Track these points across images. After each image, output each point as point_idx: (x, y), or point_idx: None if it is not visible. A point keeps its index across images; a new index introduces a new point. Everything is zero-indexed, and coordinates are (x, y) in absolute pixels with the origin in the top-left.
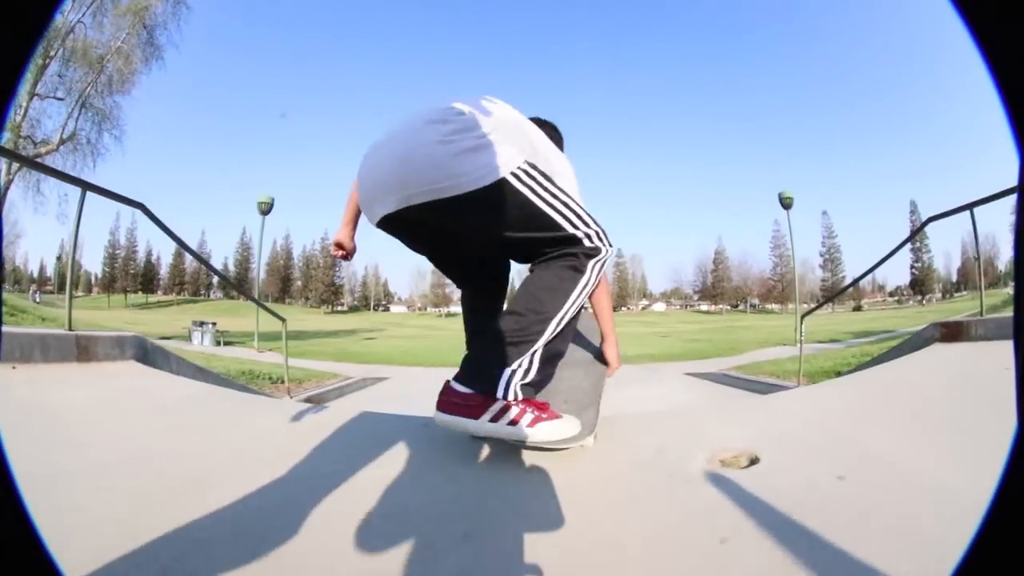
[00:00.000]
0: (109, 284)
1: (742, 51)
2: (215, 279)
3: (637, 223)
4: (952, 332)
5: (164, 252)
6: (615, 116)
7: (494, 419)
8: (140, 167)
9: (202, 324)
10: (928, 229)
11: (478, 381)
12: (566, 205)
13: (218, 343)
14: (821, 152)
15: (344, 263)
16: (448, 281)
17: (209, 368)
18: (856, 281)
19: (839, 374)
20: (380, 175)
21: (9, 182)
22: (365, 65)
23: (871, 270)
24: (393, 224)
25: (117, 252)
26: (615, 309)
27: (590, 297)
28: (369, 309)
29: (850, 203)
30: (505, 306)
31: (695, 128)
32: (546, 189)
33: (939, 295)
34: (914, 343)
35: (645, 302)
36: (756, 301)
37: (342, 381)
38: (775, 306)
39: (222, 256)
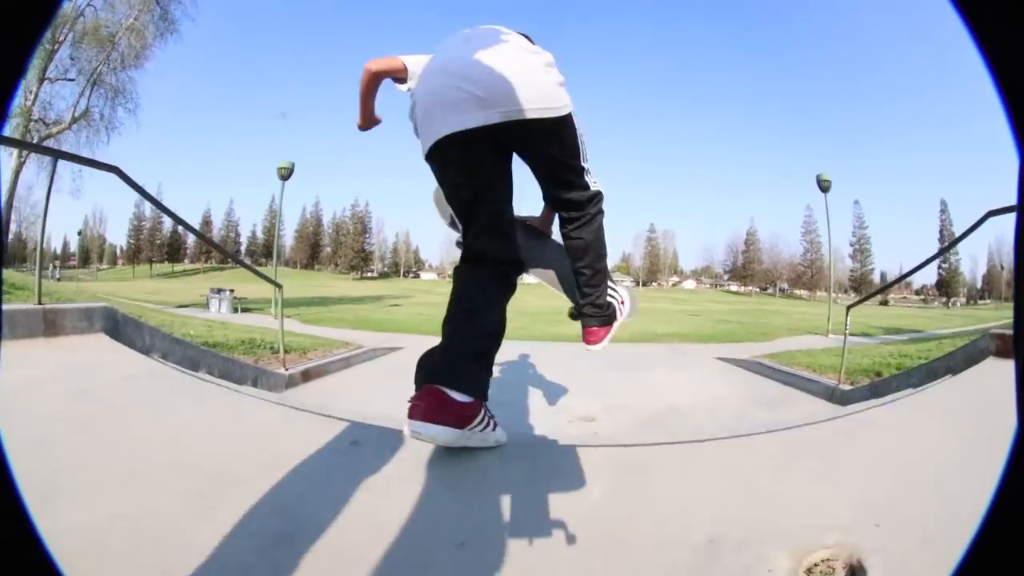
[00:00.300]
0: (134, 255)
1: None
2: (243, 246)
3: (669, 198)
4: (1007, 346)
5: (192, 220)
6: (655, 94)
7: (483, 426)
8: (165, 140)
9: (219, 291)
10: (957, 233)
11: (476, 385)
12: (586, 156)
13: (235, 310)
14: (854, 143)
15: (373, 231)
16: None
17: (201, 339)
18: (912, 272)
19: (879, 374)
20: (472, 88)
21: (20, 165)
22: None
23: (927, 262)
24: (457, 146)
25: (143, 223)
26: (646, 284)
27: None
28: (399, 276)
29: (880, 197)
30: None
31: (733, 109)
32: (582, 138)
33: (964, 299)
34: (968, 354)
35: (676, 279)
36: (785, 285)
37: (351, 351)
38: (804, 292)
39: (251, 224)
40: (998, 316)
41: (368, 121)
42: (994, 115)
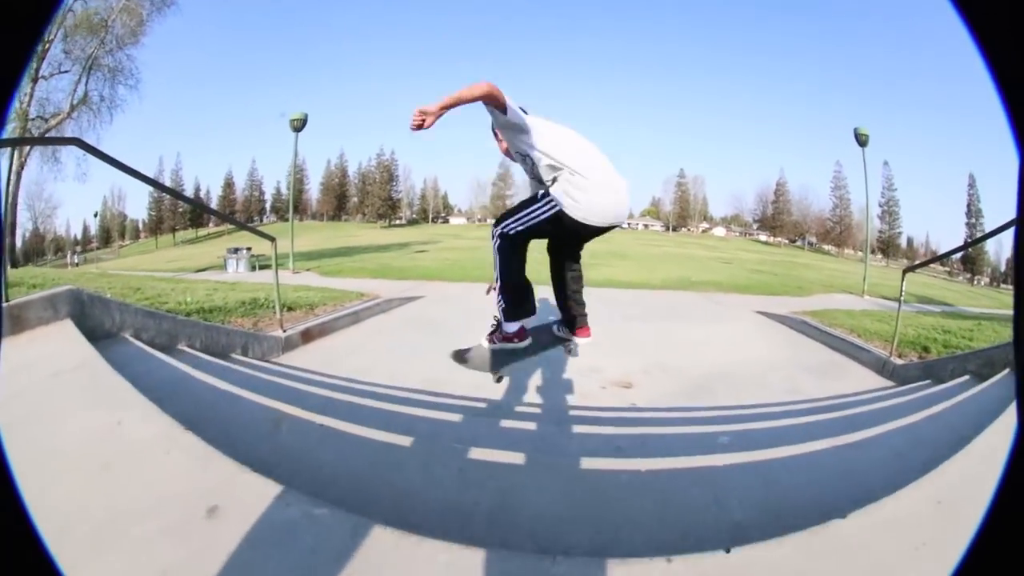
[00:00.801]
0: (157, 226)
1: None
2: (268, 203)
3: (700, 144)
4: None
5: (214, 184)
6: (687, 41)
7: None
8: (179, 111)
9: (236, 251)
10: (986, 214)
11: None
12: None
13: (253, 268)
14: (888, 105)
15: (400, 178)
16: (509, 192)
17: (197, 304)
18: (979, 240)
19: (926, 349)
20: (623, 209)
21: (22, 165)
22: None
23: (992, 234)
24: (603, 231)
25: (162, 195)
26: (675, 229)
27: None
28: (427, 222)
29: (909, 163)
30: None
31: (768, 61)
32: None
33: (988, 279)
34: None
35: (706, 225)
36: (813, 239)
37: (364, 302)
38: (831, 248)
39: (274, 181)
40: None
41: (433, 120)
42: None
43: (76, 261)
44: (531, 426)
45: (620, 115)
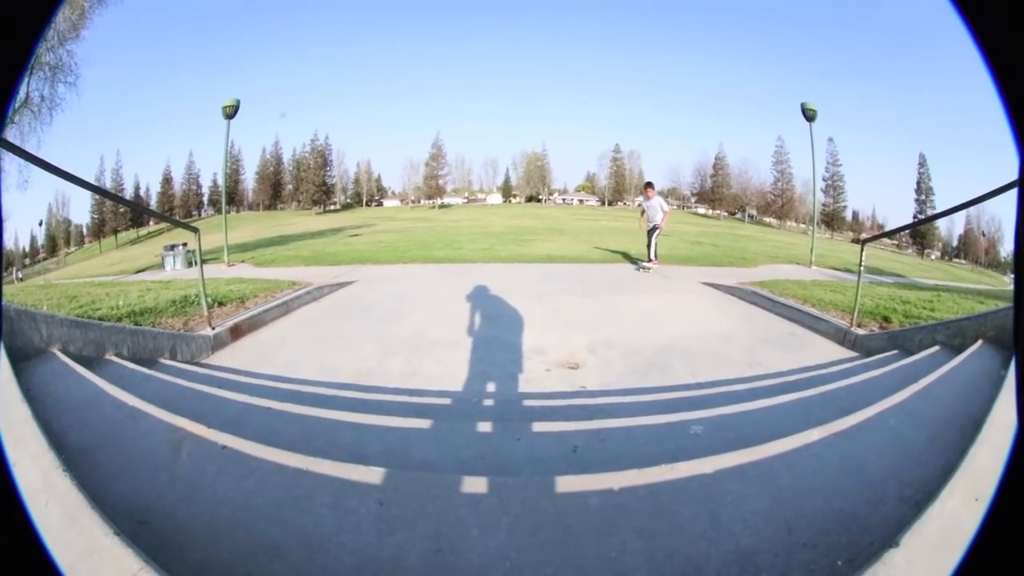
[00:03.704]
0: (99, 229)
1: None
2: (206, 196)
3: (635, 118)
4: None
5: (152, 182)
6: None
7: None
8: (117, 107)
9: (172, 247)
10: (937, 192)
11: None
12: None
13: (189, 264)
14: (834, 81)
15: (334, 163)
16: (442, 172)
17: (129, 308)
18: (941, 215)
19: (887, 320)
20: None
21: None
22: None
23: (957, 209)
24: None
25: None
26: (611, 204)
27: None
28: (362, 206)
29: (856, 138)
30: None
31: (706, 32)
32: None
33: (938, 253)
34: (1001, 322)
35: (641, 199)
36: (754, 212)
37: (295, 291)
38: (773, 220)
39: (211, 173)
40: (976, 278)
41: None
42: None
43: (20, 276)
44: (471, 427)
45: (555, 90)
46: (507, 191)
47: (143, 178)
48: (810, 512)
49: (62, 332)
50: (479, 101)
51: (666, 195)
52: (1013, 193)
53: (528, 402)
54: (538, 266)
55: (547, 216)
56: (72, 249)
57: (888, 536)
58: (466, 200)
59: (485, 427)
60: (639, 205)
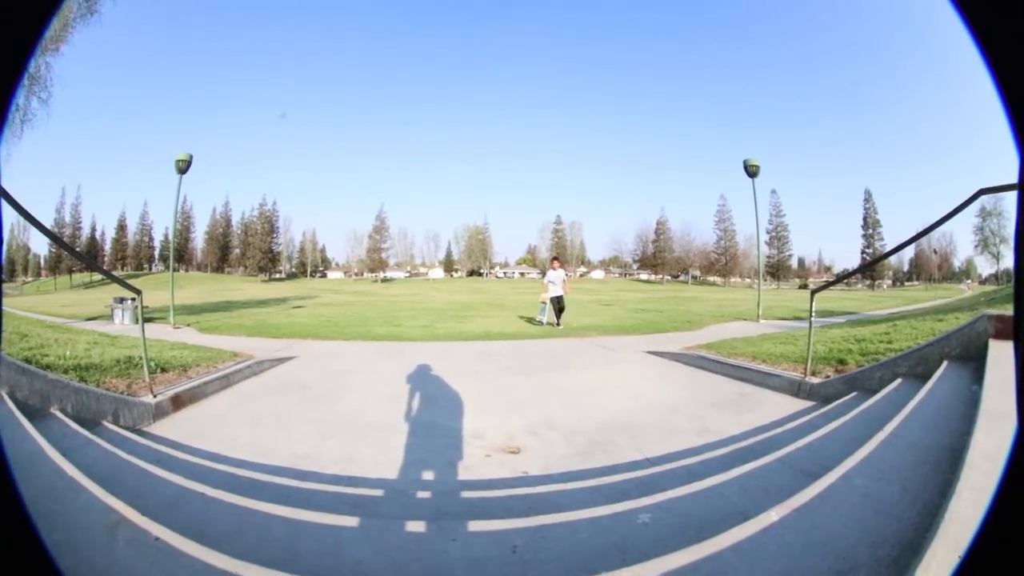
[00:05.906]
0: (55, 265)
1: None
2: (156, 251)
3: (576, 189)
4: (1007, 328)
5: (108, 227)
6: (564, 77)
7: None
8: (80, 137)
9: (122, 300)
10: (885, 219)
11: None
12: None
13: (136, 320)
14: (772, 134)
15: (281, 230)
16: (385, 246)
17: (76, 360)
18: (890, 253)
19: (842, 362)
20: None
21: None
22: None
23: (909, 242)
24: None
25: (63, 230)
26: None
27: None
28: (306, 276)
29: (798, 186)
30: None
31: (643, 97)
32: None
33: (889, 282)
34: (965, 338)
35: (583, 269)
36: (697, 273)
37: (236, 364)
38: (717, 279)
39: (163, 226)
40: (931, 296)
41: None
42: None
43: None
44: (405, 528)
45: (495, 165)
46: (449, 265)
47: (100, 218)
48: None
49: (10, 376)
50: (425, 169)
51: (607, 264)
52: (1013, 195)
53: (466, 493)
54: (477, 344)
55: (488, 291)
56: (30, 278)
57: None
58: (408, 274)
59: (419, 527)
60: (581, 276)
